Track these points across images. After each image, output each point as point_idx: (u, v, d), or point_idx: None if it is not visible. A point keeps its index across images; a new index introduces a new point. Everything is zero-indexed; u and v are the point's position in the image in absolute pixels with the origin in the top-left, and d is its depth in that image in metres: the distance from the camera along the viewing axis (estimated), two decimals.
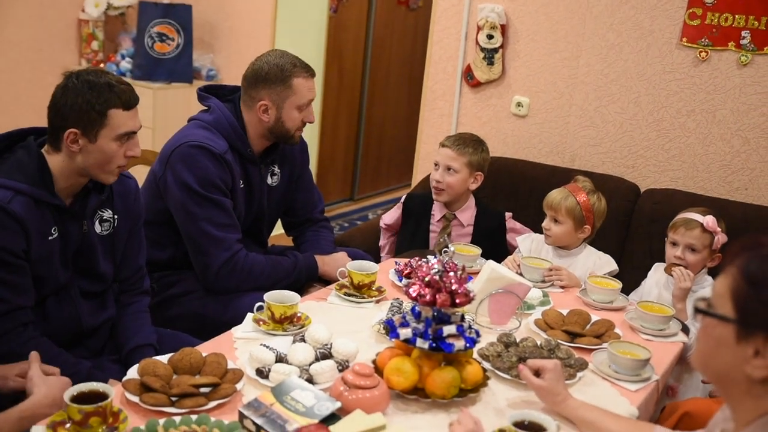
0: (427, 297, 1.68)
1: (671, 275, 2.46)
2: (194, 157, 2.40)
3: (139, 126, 1.97)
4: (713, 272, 2.54)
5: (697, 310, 1.18)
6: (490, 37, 3.55)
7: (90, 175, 1.95)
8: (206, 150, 2.40)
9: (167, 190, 2.44)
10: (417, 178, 3.88)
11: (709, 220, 2.48)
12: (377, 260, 2.80)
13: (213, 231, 2.40)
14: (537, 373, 1.72)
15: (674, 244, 2.54)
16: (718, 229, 2.48)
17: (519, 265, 2.56)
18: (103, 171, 1.94)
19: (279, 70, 2.46)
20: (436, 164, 2.93)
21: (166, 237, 2.52)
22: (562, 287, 2.51)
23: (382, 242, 3.15)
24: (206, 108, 2.56)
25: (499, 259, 2.57)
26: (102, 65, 4.54)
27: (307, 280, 2.60)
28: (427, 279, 1.69)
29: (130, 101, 1.91)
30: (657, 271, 2.66)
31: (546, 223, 2.70)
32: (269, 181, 2.65)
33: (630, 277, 2.75)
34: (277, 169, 2.67)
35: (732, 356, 1.13)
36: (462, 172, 2.88)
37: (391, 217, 3.11)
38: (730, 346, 1.13)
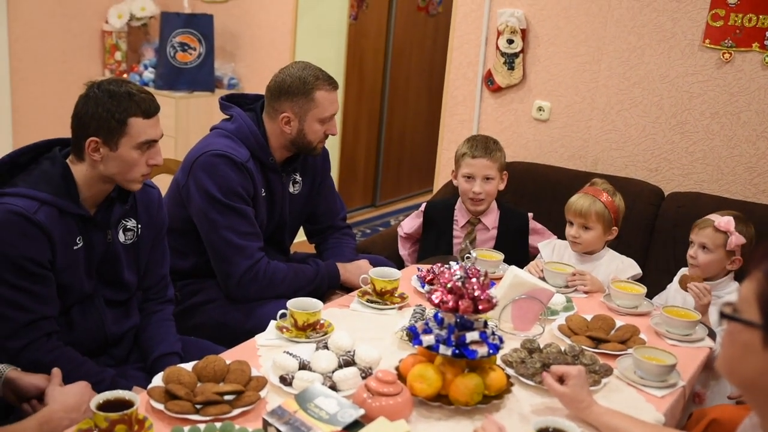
0: (450, 303, 1.67)
1: (686, 290, 2.42)
2: (216, 166, 2.41)
3: (160, 134, 1.99)
4: (740, 278, 2.51)
5: (723, 315, 1.16)
6: (510, 41, 3.54)
7: (114, 182, 1.97)
8: (228, 159, 2.42)
9: (190, 198, 2.45)
10: (438, 183, 3.88)
11: (723, 220, 2.45)
12: (399, 267, 2.80)
13: (235, 239, 2.41)
14: (561, 379, 1.71)
15: (691, 243, 2.53)
16: (732, 230, 2.44)
17: (542, 271, 2.55)
18: (125, 179, 1.96)
19: (301, 82, 2.47)
20: (469, 176, 2.88)
21: (188, 245, 2.53)
22: (586, 292, 2.49)
23: (402, 252, 3.11)
24: (228, 117, 2.58)
25: (523, 261, 2.56)
26: (125, 75, 4.59)
27: (329, 288, 2.60)
28: (449, 285, 1.69)
29: (149, 110, 1.93)
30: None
31: (575, 231, 2.66)
32: (291, 189, 2.66)
33: (654, 282, 2.72)
34: (299, 178, 2.68)
35: (759, 363, 1.10)
36: (496, 178, 2.88)
37: (410, 225, 3.09)
38: (756, 352, 1.10)
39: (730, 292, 2.48)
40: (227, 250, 2.42)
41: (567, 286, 2.50)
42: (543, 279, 2.46)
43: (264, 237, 2.55)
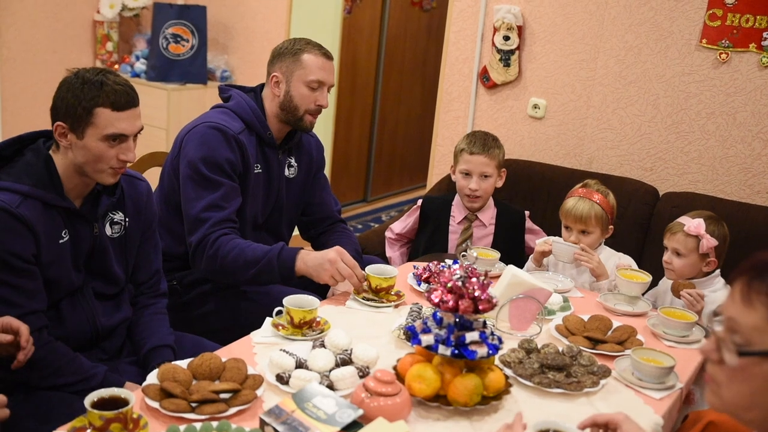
0: (450, 303, 1.65)
1: (679, 298, 2.40)
2: (205, 136, 2.40)
3: (134, 130, 1.90)
4: (726, 274, 2.52)
5: (743, 354, 1.07)
6: (506, 38, 3.52)
7: (85, 173, 1.91)
8: (218, 130, 2.40)
9: (180, 168, 2.44)
10: (432, 180, 3.86)
11: (693, 224, 2.44)
12: None
13: (199, 210, 2.36)
14: (606, 427, 1.52)
15: (666, 248, 2.53)
16: (703, 233, 2.42)
17: (551, 244, 2.60)
18: (94, 170, 1.89)
19: (291, 44, 2.50)
20: (466, 173, 2.86)
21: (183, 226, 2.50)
22: (592, 269, 2.52)
23: (391, 254, 3.05)
24: (227, 98, 2.57)
25: (518, 258, 2.55)
26: (116, 66, 4.55)
27: (283, 278, 2.34)
28: (449, 285, 1.67)
29: (119, 102, 1.85)
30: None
31: (574, 238, 2.64)
32: (286, 172, 2.62)
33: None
34: (293, 162, 2.65)
35: None
36: (494, 175, 2.87)
37: (402, 226, 3.05)
38: None
39: (716, 290, 2.48)
40: (189, 220, 2.39)
41: (564, 284, 2.50)
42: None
43: (260, 222, 2.53)
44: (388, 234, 3.09)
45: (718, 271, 2.51)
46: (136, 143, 1.95)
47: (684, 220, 2.50)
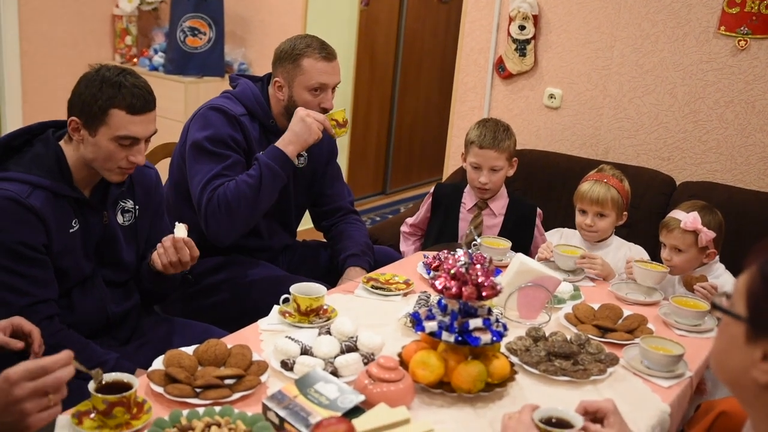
0: (453, 289, 1.65)
1: (692, 292, 2.35)
2: (207, 116, 2.45)
3: (146, 134, 1.92)
4: (731, 261, 2.48)
5: (714, 306, 1.12)
6: (522, 28, 3.50)
7: (94, 168, 1.93)
8: (220, 111, 2.44)
9: (186, 152, 2.46)
10: (448, 171, 3.85)
11: (689, 220, 2.38)
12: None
13: (204, 180, 2.38)
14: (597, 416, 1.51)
15: (663, 245, 2.47)
16: (700, 227, 2.37)
17: (552, 252, 2.53)
18: (103, 168, 1.92)
19: (291, 48, 2.49)
20: (476, 166, 2.81)
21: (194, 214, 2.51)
22: (597, 274, 2.47)
23: (404, 248, 3.01)
24: (236, 86, 2.60)
25: (525, 251, 2.52)
26: (135, 60, 4.59)
27: (284, 170, 2.42)
28: (453, 271, 1.66)
29: (135, 105, 1.86)
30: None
31: (589, 220, 2.61)
32: (295, 161, 2.62)
33: None
34: (304, 151, 2.65)
35: (741, 358, 1.06)
36: (504, 167, 2.82)
37: (415, 216, 3.05)
38: (740, 346, 1.06)
39: (718, 276, 2.45)
40: (194, 196, 2.40)
41: (575, 271, 2.47)
42: (552, 261, 2.44)
43: (269, 212, 2.54)
44: (402, 228, 3.07)
45: (717, 258, 2.47)
46: (148, 145, 1.98)
47: (678, 215, 2.44)
